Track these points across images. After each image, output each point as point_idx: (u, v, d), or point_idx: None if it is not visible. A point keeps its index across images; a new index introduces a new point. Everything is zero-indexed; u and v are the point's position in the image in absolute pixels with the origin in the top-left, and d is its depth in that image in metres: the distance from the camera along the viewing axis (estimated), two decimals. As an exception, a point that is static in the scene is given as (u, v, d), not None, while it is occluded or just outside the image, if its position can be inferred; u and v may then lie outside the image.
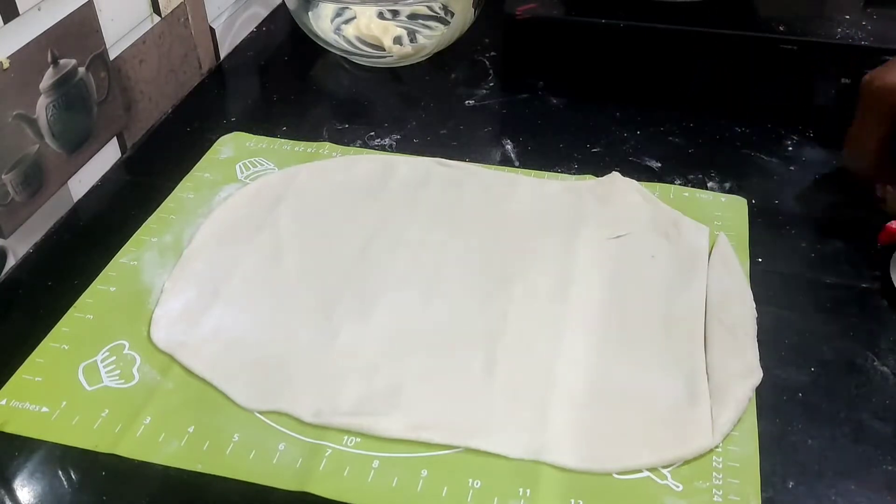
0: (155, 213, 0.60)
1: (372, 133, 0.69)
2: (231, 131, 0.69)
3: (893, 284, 0.53)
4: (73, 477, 0.43)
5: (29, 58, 0.55)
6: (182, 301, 0.52)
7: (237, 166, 0.64)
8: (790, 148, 0.66)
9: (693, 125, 0.69)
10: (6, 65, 0.53)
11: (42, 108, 0.57)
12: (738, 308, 0.51)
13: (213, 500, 0.42)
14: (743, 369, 0.47)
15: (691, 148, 0.67)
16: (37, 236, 0.59)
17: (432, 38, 0.77)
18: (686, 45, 0.69)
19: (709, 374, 0.47)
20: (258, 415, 0.46)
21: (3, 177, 0.54)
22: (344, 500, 0.42)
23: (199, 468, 0.43)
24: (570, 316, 0.51)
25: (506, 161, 0.66)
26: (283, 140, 0.68)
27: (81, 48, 0.60)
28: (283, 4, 0.82)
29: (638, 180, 0.61)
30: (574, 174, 0.63)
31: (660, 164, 0.65)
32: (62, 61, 0.58)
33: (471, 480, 0.42)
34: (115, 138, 0.66)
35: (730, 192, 0.61)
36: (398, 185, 0.62)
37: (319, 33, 0.77)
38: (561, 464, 0.43)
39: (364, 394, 0.46)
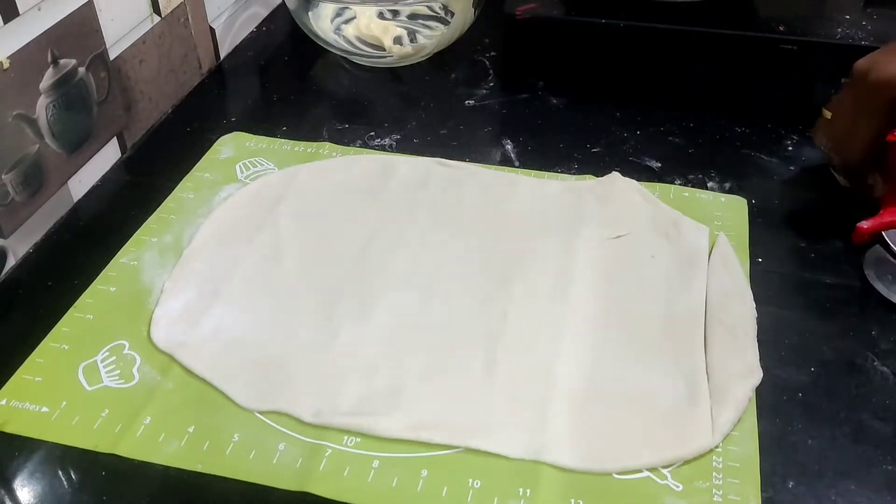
0: (155, 213, 0.60)
1: (372, 133, 0.69)
2: (231, 131, 0.69)
3: (870, 282, 0.53)
4: (73, 477, 0.43)
5: (29, 58, 0.55)
6: (182, 301, 0.52)
7: (237, 166, 0.64)
8: (790, 148, 0.66)
9: (693, 125, 0.69)
10: (6, 65, 0.53)
11: (42, 108, 0.57)
12: (738, 308, 0.51)
13: (213, 500, 0.42)
14: (743, 369, 0.47)
15: (691, 148, 0.67)
16: (37, 236, 0.59)
17: (432, 38, 0.77)
18: (686, 45, 0.69)
19: (709, 374, 0.47)
20: (258, 415, 0.46)
21: (3, 177, 0.54)
22: (344, 500, 0.42)
23: (199, 468, 0.43)
24: (570, 316, 0.51)
25: (506, 161, 0.66)
26: (283, 140, 0.68)
27: (81, 48, 0.60)
28: (283, 4, 0.82)
29: (638, 180, 0.61)
30: (574, 174, 0.63)
31: (660, 164, 0.65)
32: (62, 61, 0.58)
33: (471, 480, 0.42)
34: (115, 138, 0.66)
35: (730, 192, 0.61)
36: (398, 185, 0.62)
37: (319, 33, 0.77)
38: (561, 464, 0.43)
39: (364, 394, 0.46)
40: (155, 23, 0.69)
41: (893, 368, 0.48)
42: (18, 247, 0.57)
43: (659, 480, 0.42)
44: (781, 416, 0.46)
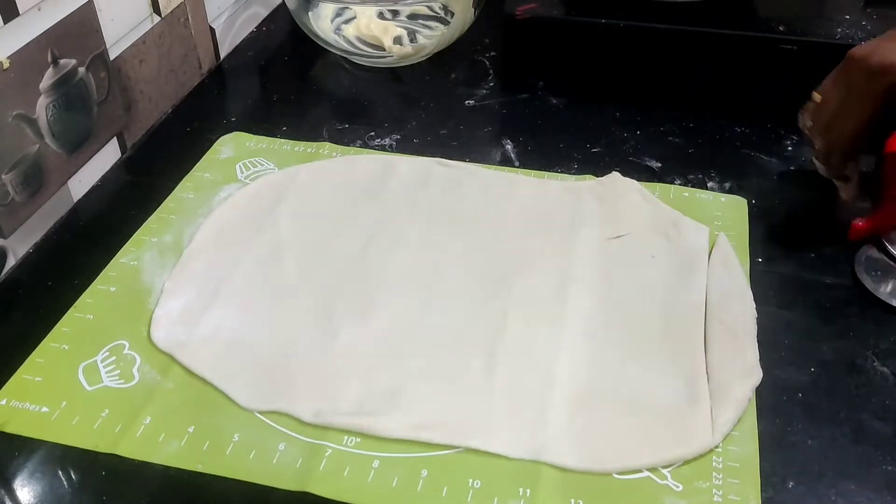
0: (155, 213, 0.60)
1: (372, 133, 0.69)
2: (231, 131, 0.69)
3: (861, 282, 0.53)
4: (73, 477, 0.43)
5: (29, 58, 0.55)
6: (182, 301, 0.52)
7: (237, 166, 0.64)
8: (790, 148, 0.66)
9: (693, 125, 0.69)
10: (6, 65, 0.53)
11: (42, 108, 0.57)
12: (738, 308, 0.51)
13: (213, 500, 0.42)
14: (743, 369, 0.47)
15: (691, 148, 0.67)
16: (37, 236, 0.59)
17: (432, 38, 0.77)
18: (686, 45, 0.69)
19: (709, 374, 0.47)
20: (258, 415, 0.46)
21: (3, 177, 0.54)
22: (344, 500, 0.42)
23: (199, 468, 0.43)
24: (569, 316, 0.51)
25: (506, 161, 0.66)
26: (283, 140, 0.68)
27: (81, 48, 0.60)
28: (283, 4, 0.82)
29: (638, 180, 0.61)
30: (574, 174, 0.63)
31: (660, 164, 0.65)
32: (62, 61, 0.58)
33: (471, 480, 0.42)
34: (115, 138, 0.66)
35: (730, 192, 0.61)
36: (398, 185, 0.62)
37: (319, 33, 0.77)
38: (561, 464, 0.43)
39: (364, 394, 0.46)
40: (155, 23, 0.69)
41: (893, 369, 0.48)
42: (18, 247, 0.57)
43: (659, 480, 0.42)
44: (781, 416, 0.46)
